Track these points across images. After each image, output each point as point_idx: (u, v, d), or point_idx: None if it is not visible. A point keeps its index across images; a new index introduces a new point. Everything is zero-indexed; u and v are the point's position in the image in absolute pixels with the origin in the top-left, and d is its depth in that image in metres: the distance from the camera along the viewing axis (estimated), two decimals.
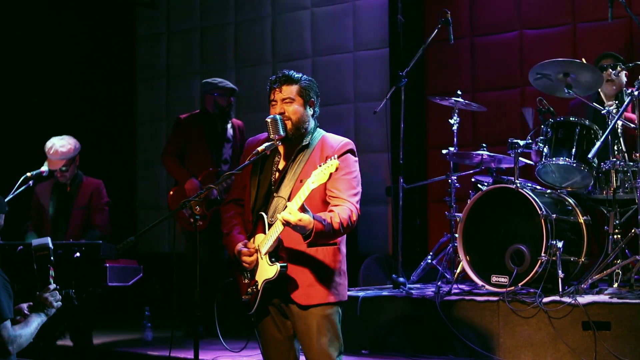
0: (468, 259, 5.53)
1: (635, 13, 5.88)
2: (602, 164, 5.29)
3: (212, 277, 6.37)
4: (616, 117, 5.13)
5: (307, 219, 3.27)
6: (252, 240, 3.59)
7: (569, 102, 6.09)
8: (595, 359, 4.78)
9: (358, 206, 3.50)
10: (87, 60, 8.65)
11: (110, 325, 7.04)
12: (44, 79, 8.32)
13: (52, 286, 3.86)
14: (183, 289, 6.60)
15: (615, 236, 5.22)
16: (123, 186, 8.48)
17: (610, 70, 5.71)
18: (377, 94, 7.41)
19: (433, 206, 7.46)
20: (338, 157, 3.43)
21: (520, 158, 5.58)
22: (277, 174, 3.61)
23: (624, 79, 5.84)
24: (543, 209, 5.22)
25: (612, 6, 5.51)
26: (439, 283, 5.61)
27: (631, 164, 5.24)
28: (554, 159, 5.40)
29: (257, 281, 3.52)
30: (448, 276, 5.91)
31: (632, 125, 5.27)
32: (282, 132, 3.52)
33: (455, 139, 6.10)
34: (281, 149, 3.64)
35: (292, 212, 3.26)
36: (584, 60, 5.57)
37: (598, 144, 5.01)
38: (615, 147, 5.31)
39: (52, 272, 3.89)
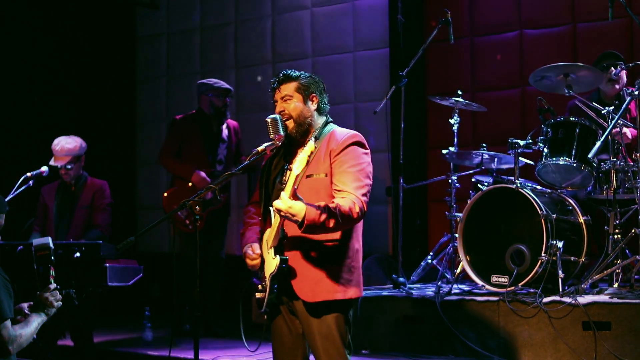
0: (468, 259, 5.53)
1: (635, 13, 5.87)
2: (602, 164, 5.30)
3: (208, 277, 6.40)
4: (616, 116, 5.13)
5: (297, 206, 3.24)
6: (263, 238, 3.58)
7: (568, 102, 6.10)
8: (596, 359, 4.78)
9: (364, 199, 3.41)
10: (87, 60, 8.65)
11: (110, 325, 7.04)
12: (44, 79, 8.32)
13: (53, 286, 3.87)
14: (179, 290, 6.61)
15: (615, 236, 5.22)
16: (123, 186, 8.47)
17: (612, 69, 5.72)
18: (377, 94, 7.41)
19: (433, 206, 7.46)
20: (342, 151, 3.46)
21: (521, 158, 5.58)
22: (288, 172, 3.58)
23: (625, 79, 5.85)
24: (543, 209, 5.22)
25: (612, 6, 5.51)
26: (439, 283, 5.62)
27: (631, 164, 5.24)
28: (554, 158, 5.40)
29: (265, 277, 3.52)
30: (448, 276, 5.91)
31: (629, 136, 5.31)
32: (282, 132, 3.52)
33: (455, 139, 6.10)
34: (291, 148, 3.63)
35: (282, 199, 3.26)
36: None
37: (598, 143, 5.01)
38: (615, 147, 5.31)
39: (52, 272, 3.90)
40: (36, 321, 3.77)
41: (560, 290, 5.09)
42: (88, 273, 5.16)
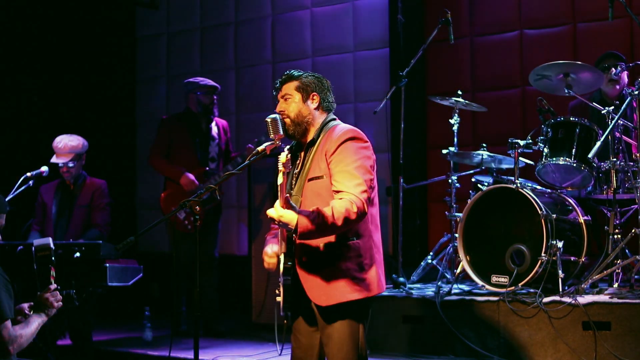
0: (468, 259, 5.53)
1: (635, 13, 5.87)
2: (602, 163, 5.30)
3: (202, 277, 6.41)
4: (616, 116, 5.13)
5: (288, 215, 3.23)
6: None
7: (569, 102, 6.10)
8: (596, 359, 4.78)
9: (364, 196, 3.35)
10: (87, 60, 8.65)
11: (110, 325, 7.04)
12: (44, 79, 8.32)
13: (53, 286, 3.86)
14: (174, 290, 6.63)
15: (615, 236, 5.22)
16: (123, 186, 8.48)
17: (613, 69, 5.71)
18: (377, 94, 7.41)
19: (433, 206, 7.46)
20: (335, 150, 3.42)
21: (521, 158, 5.58)
22: (295, 176, 3.58)
23: (626, 79, 5.85)
24: (543, 209, 5.22)
25: (612, 6, 5.50)
26: (439, 283, 5.62)
27: (631, 163, 5.24)
28: (554, 158, 5.40)
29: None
30: (448, 276, 5.91)
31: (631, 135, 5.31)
32: (281, 132, 3.51)
33: (455, 139, 6.09)
34: (302, 147, 3.62)
35: (275, 208, 3.25)
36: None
37: (598, 143, 5.01)
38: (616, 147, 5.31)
39: (53, 272, 3.90)
40: (36, 322, 3.77)
41: (560, 290, 5.09)
42: (88, 273, 5.16)
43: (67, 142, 5.98)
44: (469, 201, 5.61)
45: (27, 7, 8.19)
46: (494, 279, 5.37)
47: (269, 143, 3.53)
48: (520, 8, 7.21)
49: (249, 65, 8.44)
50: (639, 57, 6.42)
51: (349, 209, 3.30)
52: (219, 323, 6.55)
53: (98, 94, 8.74)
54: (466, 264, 5.51)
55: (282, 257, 3.46)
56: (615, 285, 5.16)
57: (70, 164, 5.96)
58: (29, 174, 5.67)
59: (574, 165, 5.35)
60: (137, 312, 6.63)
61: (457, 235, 5.63)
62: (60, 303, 3.87)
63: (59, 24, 8.46)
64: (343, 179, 3.40)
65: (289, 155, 3.26)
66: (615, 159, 5.22)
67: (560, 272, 5.13)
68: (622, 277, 5.20)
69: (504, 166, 6.05)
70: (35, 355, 4.80)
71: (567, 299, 4.94)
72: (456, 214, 5.97)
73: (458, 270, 5.69)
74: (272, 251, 3.54)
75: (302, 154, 3.61)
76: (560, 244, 5.16)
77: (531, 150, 5.55)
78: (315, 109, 3.61)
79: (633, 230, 5.13)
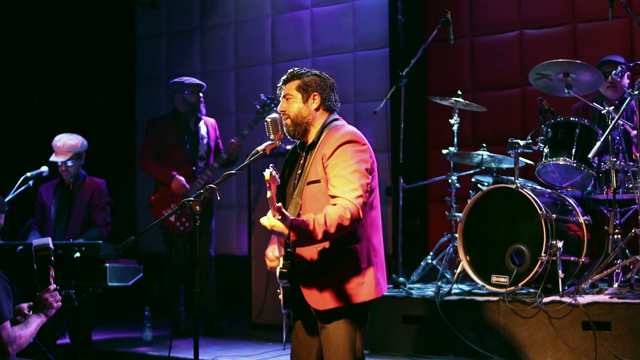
0: (468, 258, 5.52)
1: (636, 13, 5.87)
2: (602, 163, 5.29)
3: (200, 276, 6.42)
4: (617, 116, 5.12)
5: (279, 225, 3.17)
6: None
7: (571, 104, 6.09)
8: (596, 359, 4.78)
9: (359, 201, 3.29)
10: (87, 60, 8.65)
11: (110, 325, 7.04)
12: (44, 79, 8.31)
13: (53, 287, 3.86)
14: (169, 290, 6.64)
15: (615, 236, 5.22)
16: (123, 186, 8.48)
17: (612, 75, 5.69)
18: (377, 94, 7.41)
19: (433, 206, 7.46)
20: (331, 154, 3.39)
21: (521, 158, 5.58)
22: (297, 176, 3.56)
23: (627, 82, 5.84)
24: (543, 209, 5.22)
25: (612, 6, 5.50)
26: (439, 283, 5.62)
27: (631, 163, 5.24)
28: (554, 158, 5.40)
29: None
30: (448, 276, 5.91)
31: (633, 133, 5.29)
32: (281, 131, 3.51)
33: (455, 139, 6.09)
34: (302, 148, 3.61)
35: (268, 218, 3.19)
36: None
37: (598, 144, 5.01)
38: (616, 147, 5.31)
39: (52, 273, 3.89)
40: (35, 322, 3.76)
41: (560, 290, 5.09)
42: (88, 273, 5.16)
43: (67, 141, 5.98)
44: (469, 201, 5.61)
45: (27, 6, 8.19)
46: (494, 279, 5.37)
47: (269, 143, 3.52)
48: (520, 8, 7.21)
49: (249, 65, 8.44)
50: (639, 58, 6.42)
51: (342, 215, 3.25)
52: (219, 320, 6.56)
53: (98, 94, 8.74)
54: (466, 264, 5.51)
55: (281, 259, 3.45)
56: (615, 285, 5.16)
57: (69, 163, 5.96)
58: (28, 174, 5.67)
59: (574, 165, 5.35)
60: (137, 312, 6.63)
61: (457, 235, 5.63)
62: (60, 303, 3.87)
63: (59, 24, 8.46)
64: (338, 183, 3.35)
65: (273, 172, 3.12)
66: (615, 159, 5.22)
67: (560, 272, 5.13)
68: (622, 277, 5.19)
69: (504, 166, 6.05)
70: (34, 355, 4.80)
71: (567, 299, 4.94)
72: (456, 214, 5.96)
73: (458, 270, 5.69)
74: (274, 255, 3.53)
75: (304, 155, 3.59)
76: (560, 244, 5.16)
77: (531, 150, 5.55)
78: (315, 109, 3.56)
79: (633, 230, 5.13)
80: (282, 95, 3.60)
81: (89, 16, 8.66)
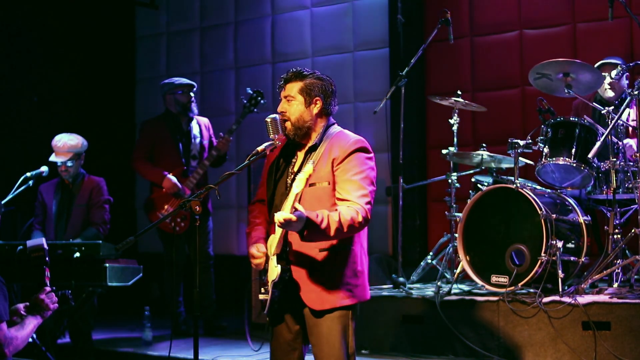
0: (468, 258, 5.52)
1: (635, 13, 5.87)
2: (602, 163, 5.29)
3: (195, 275, 6.42)
4: (616, 116, 5.12)
5: (295, 220, 3.18)
6: (269, 243, 3.56)
7: (571, 102, 6.09)
8: (595, 359, 4.78)
9: (368, 207, 3.39)
10: (87, 60, 8.65)
11: (110, 325, 7.04)
12: (43, 79, 8.31)
13: (48, 288, 3.83)
14: (168, 290, 6.64)
15: (615, 236, 5.22)
16: (123, 186, 8.47)
17: (610, 77, 5.69)
18: (377, 94, 7.41)
19: (433, 206, 7.46)
20: (344, 159, 3.43)
21: (521, 158, 5.58)
22: (292, 175, 3.56)
23: (625, 82, 5.84)
24: (543, 209, 5.22)
25: (612, 6, 5.50)
26: (439, 283, 5.61)
27: (631, 163, 5.23)
28: (554, 158, 5.40)
29: (268, 282, 3.51)
30: (448, 276, 5.91)
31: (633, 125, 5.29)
32: (281, 132, 3.50)
33: (455, 139, 6.09)
34: (295, 149, 3.60)
35: (285, 211, 3.23)
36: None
37: (598, 143, 5.01)
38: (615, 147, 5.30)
39: (48, 273, 3.86)
40: (32, 323, 3.74)
41: (560, 290, 5.09)
42: (88, 273, 5.16)
43: (67, 141, 5.98)
44: (469, 201, 5.60)
45: (26, 6, 8.19)
46: (494, 279, 5.37)
47: (269, 143, 3.51)
48: (520, 8, 7.21)
49: (249, 65, 8.44)
50: (638, 57, 6.42)
51: (355, 217, 3.34)
52: (220, 319, 6.57)
53: (97, 94, 8.74)
54: (466, 264, 5.51)
55: (274, 258, 3.45)
56: (615, 285, 5.15)
57: (69, 163, 5.96)
58: (28, 174, 5.67)
59: (574, 165, 5.34)
60: (137, 312, 6.62)
61: (456, 235, 5.63)
62: (56, 305, 3.84)
63: (58, 24, 8.45)
64: (350, 188, 3.41)
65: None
66: (615, 159, 5.22)
67: (560, 272, 5.13)
68: (622, 277, 5.19)
69: (504, 166, 6.05)
70: (34, 355, 4.80)
71: (566, 299, 4.94)
72: (456, 214, 5.97)
73: (458, 270, 5.69)
74: (261, 252, 3.53)
75: (301, 156, 3.58)
76: (560, 244, 5.16)
77: (531, 150, 5.55)
78: (316, 114, 3.55)
79: (633, 230, 5.13)
80: (282, 95, 3.57)
81: (88, 16, 8.66)
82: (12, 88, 8.02)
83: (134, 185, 8.97)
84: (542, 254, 5.16)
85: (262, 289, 3.54)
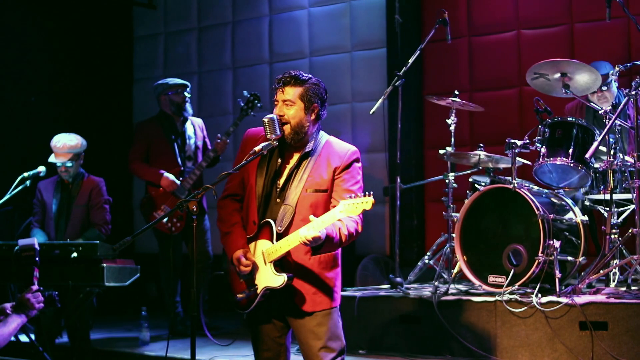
0: (465, 259, 5.53)
1: (633, 13, 5.87)
2: (600, 163, 5.30)
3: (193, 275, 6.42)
4: (614, 116, 5.13)
5: (318, 237, 3.30)
6: (254, 244, 3.56)
7: (566, 103, 6.10)
8: (592, 359, 4.78)
9: (361, 216, 3.48)
10: (85, 60, 8.65)
11: (108, 325, 7.04)
12: (42, 79, 8.31)
13: (35, 287, 3.82)
14: (165, 290, 6.64)
15: (612, 236, 5.22)
16: (121, 186, 8.47)
17: (600, 91, 5.72)
18: (374, 94, 7.40)
19: (430, 206, 7.46)
20: (345, 168, 3.53)
21: (518, 158, 5.58)
22: (282, 179, 3.57)
23: (615, 87, 5.85)
24: (540, 209, 5.22)
25: (610, 6, 5.51)
26: (436, 283, 5.61)
27: (628, 163, 5.24)
28: (551, 158, 5.40)
29: (256, 285, 3.53)
30: (445, 276, 5.90)
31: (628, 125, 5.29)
32: (279, 132, 3.49)
33: (452, 139, 6.09)
34: (284, 152, 3.60)
35: (310, 229, 3.29)
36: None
37: (595, 144, 5.01)
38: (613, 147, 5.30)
39: (36, 273, 3.86)
40: (15, 322, 3.72)
41: (557, 290, 5.09)
42: (85, 273, 5.16)
43: (66, 142, 5.98)
44: (466, 201, 5.61)
45: (25, 6, 8.18)
46: (491, 279, 5.37)
47: (266, 144, 3.51)
48: (517, 8, 7.21)
49: (246, 65, 8.43)
50: (636, 58, 6.41)
51: (356, 228, 3.49)
52: (213, 319, 6.57)
53: (95, 94, 8.73)
54: (463, 264, 5.52)
55: (270, 265, 3.48)
56: (612, 285, 5.16)
57: (69, 164, 5.96)
58: (25, 174, 5.66)
59: (571, 165, 5.35)
60: (135, 312, 6.63)
61: (454, 235, 5.64)
62: (42, 305, 3.82)
63: (57, 24, 8.45)
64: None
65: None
66: (612, 159, 5.22)
67: (557, 272, 5.13)
68: (619, 277, 5.20)
69: (501, 166, 6.05)
70: (32, 356, 4.79)
71: (564, 299, 4.94)
72: (453, 214, 5.97)
73: (455, 270, 5.69)
74: (251, 260, 3.53)
75: (294, 160, 3.58)
76: (557, 244, 5.16)
77: (528, 150, 5.55)
78: (313, 120, 3.57)
79: (630, 230, 5.13)
80: (279, 98, 3.54)
81: (86, 16, 8.65)
82: (9, 88, 8.02)
83: (132, 185, 8.96)
84: (540, 254, 5.16)
85: (246, 290, 3.56)
